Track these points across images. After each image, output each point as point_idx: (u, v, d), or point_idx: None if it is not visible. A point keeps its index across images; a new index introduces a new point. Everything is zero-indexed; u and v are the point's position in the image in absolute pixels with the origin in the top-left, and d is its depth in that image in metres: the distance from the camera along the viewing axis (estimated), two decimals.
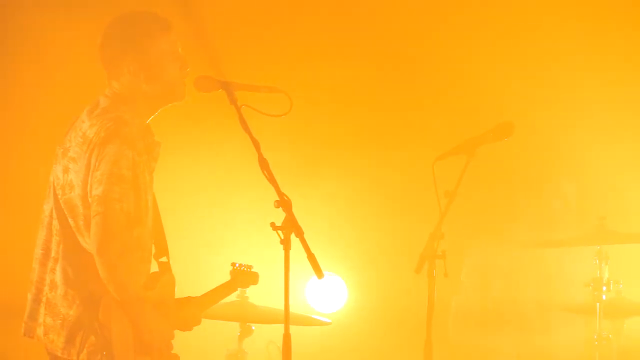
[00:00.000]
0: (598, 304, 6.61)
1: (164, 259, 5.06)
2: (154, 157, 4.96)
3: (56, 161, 4.92)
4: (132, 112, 4.85)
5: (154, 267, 5.06)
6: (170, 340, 4.93)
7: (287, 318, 4.72)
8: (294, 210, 4.69)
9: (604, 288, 6.66)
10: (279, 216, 4.69)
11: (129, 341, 4.80)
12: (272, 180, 4.69)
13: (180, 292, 5.09)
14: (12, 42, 7.48)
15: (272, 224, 4.67)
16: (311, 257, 4.63)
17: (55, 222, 4.87)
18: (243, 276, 5.43)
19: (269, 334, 6.47)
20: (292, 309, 4.77)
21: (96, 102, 4.92)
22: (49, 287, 4.86)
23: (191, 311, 5.09)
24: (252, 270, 5.46)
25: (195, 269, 5.68)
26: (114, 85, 4.91)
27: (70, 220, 4.82)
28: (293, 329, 4.77)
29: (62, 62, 7.49)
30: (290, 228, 4.67)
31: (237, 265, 5.45)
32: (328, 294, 8.04)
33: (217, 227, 7.83)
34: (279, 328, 4.81)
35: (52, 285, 4.85)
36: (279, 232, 4.68)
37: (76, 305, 4.80)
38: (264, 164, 4.70)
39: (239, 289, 5.54)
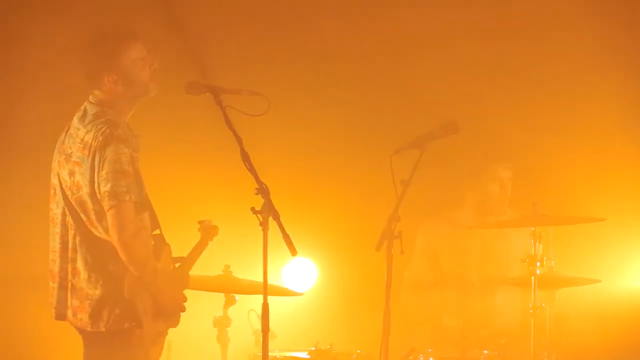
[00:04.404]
0: (533, 277, 6.79)
1: (157, 232, 5.42)
2: (135, 149, 5.29)
3: (60, 166, 5.30)
4: (117, 114, 5.28)
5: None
6: (183, 302, 5.34)
7: (265, 289, 5.01)
8: (271, 197, 4.95)
9: (538, 264, 6.82)
10: (259, 202, 4.97)
11: (150, 308, 5.21)
12: (252, 170, 4.96)
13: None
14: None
15: (252, 209, 4.95)
16: (286, 237, 4.91)
17: (69, 219, 5.26)
18: (209, 230, 5.78)
19: (250, 303, 6.72)
20: (269, 282, 5.05)
21: (84, 109, 5.32)
22: (71, 274, 5.25)
23: (180, 272, 5.45)
24: (213, 224, 5.81)
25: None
26: (97, 93, 5.32)
27: (82, 215, 5.23)
28: (270, 299, 5.03)
29: (50, 65, 7.62)
30: (268, 212, 4.93)
31: (203, 222, 5.80)
32: (301, 275, 8.27)
33: (208, 211, 7.76)
34: (259, 298, 5.10)
35: (74, 272, 5.24)
36: (258, 215, 4.95)
37: (100, 285, 5.20)
38: (245, 157, 4.98)
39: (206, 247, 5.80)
